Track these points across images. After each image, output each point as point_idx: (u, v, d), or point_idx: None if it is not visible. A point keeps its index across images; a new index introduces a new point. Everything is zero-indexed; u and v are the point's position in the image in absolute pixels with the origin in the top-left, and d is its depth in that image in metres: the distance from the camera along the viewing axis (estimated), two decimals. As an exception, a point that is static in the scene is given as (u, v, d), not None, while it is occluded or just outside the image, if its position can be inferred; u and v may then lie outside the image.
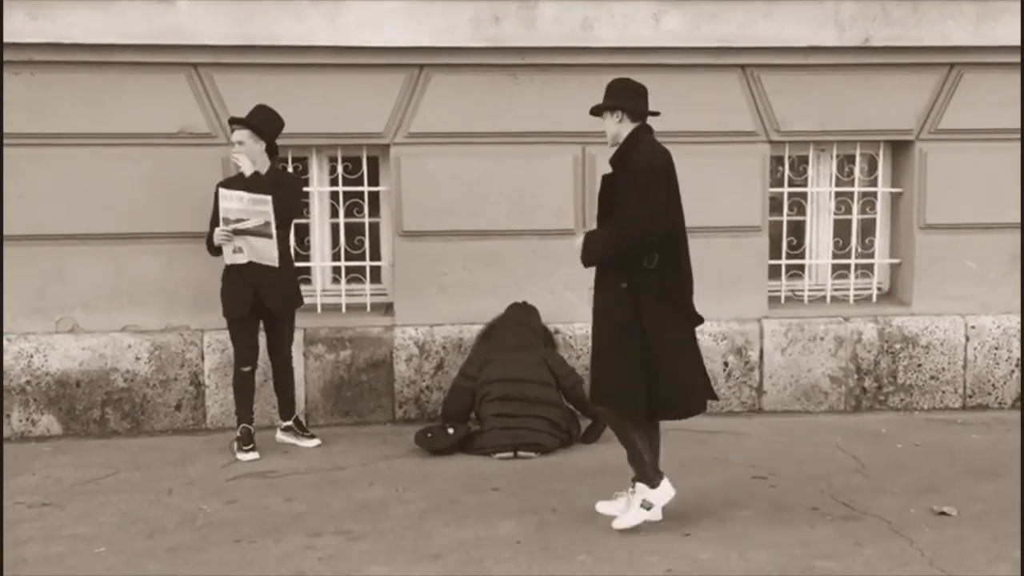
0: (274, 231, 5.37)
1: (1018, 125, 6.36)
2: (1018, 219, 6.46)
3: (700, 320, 4.56)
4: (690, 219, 6.26)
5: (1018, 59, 6.25)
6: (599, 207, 4.58)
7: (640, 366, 4.34)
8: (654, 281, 4.36)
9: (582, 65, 6.13)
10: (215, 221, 5.48)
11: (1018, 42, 6.19)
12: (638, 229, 4.31)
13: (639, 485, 4.50)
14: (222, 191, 5.39)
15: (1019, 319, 6.51)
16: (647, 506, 4.45)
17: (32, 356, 6.06)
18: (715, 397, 4.76)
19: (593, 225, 6.29)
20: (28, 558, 4.21)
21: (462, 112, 6.17)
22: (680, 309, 4.46)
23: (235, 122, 5.52)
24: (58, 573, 4.06)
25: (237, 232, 5.37)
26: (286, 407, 5.85)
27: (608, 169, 4.56)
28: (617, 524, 4.43)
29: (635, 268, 4.35)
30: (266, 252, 5.41)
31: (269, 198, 5.34)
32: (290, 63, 5.97)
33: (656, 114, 4.61)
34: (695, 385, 4.51)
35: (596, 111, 4.64)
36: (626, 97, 4.57)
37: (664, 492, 4.48)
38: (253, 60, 5.96)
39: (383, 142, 6.22)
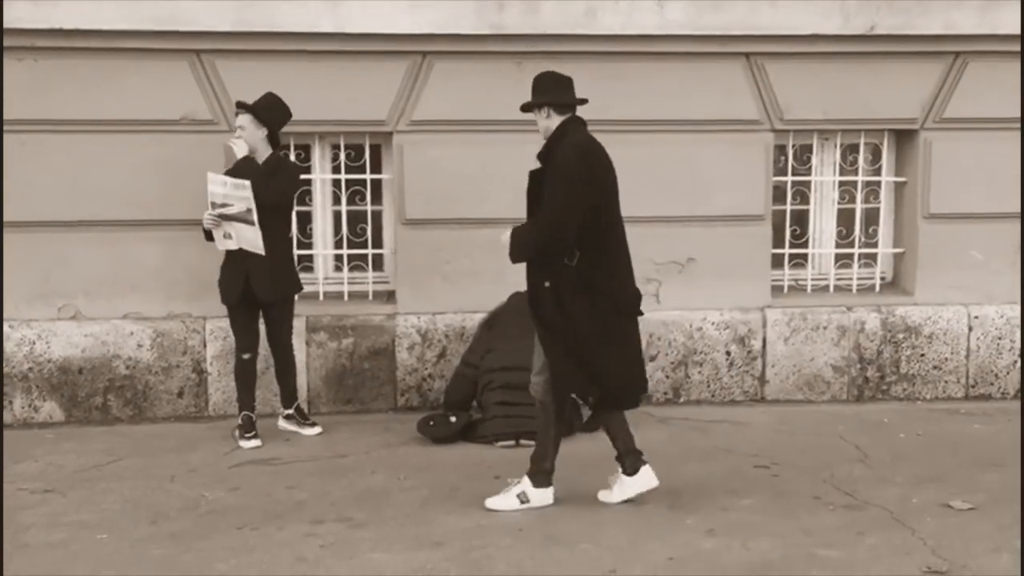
0: (256, 218, 5.34)
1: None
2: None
3: (636, 312, 4.58)
4: (693, 208, 6.34)
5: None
6: (527, 203, 4.56)
7: (574, 361, 4.41)
8: (576, 276, 4.39)
9: (586, 53, 6.11)
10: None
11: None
12: (554, 228, 4.34)
13: (525, 478, 4.59)
14: (209, 175, 5.43)
15: (1022, 309, 6.50)
16: (524, 500, 4.56)
17: (35, 343, 6.06)
18: (645, 391, 4.79)
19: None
20: (31, 544, 4.22)
21: (465, 100, 6.15)
22: (607, 302, 4.45)
23: (240, 106, 5.51)
24: (61, 559, 4.06)
25: (223, 217, 5.39)
26: (287, 395, 5.85)
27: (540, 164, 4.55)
28: (490, 503, 4.57)
29: (556, 265, 4.39)
30: (252, 239, 5.40)
31: (248, 183, 5.33)
32: (293, 50, 5.95)
33: (583, 102, 4.61)
34: (626, 378, 4.53)
35: (525, 109, 4.63)
36: (549, 92, 4.56)
37: (544, 498, 4.58)
38: (255, 47, 5.94)
39: (386, 130, 6.21)
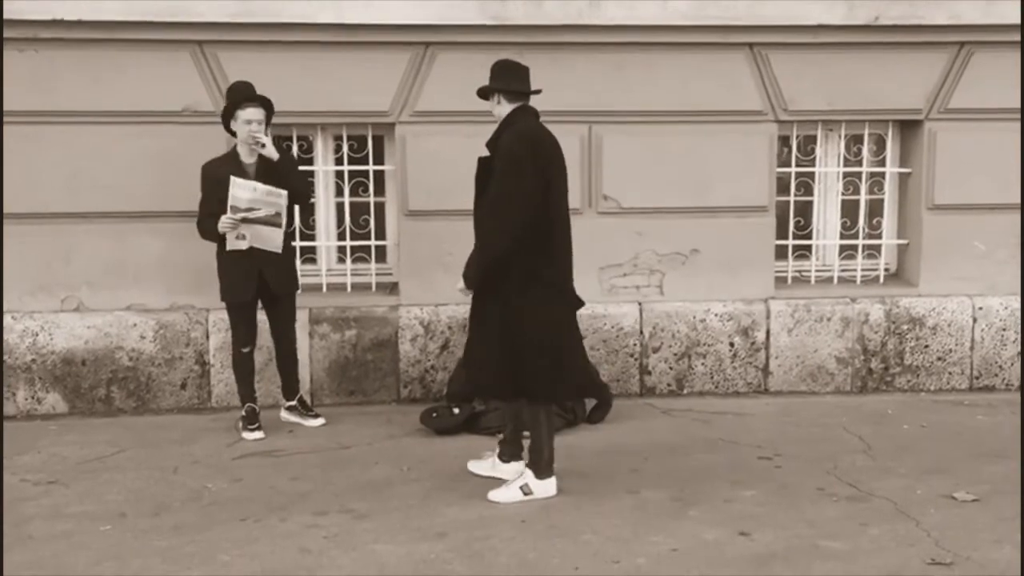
0: (284, 220, 5.37)
1: (1029, 105, 6.33)
2: (1028, 200, 6.44)
3: (579, 303, 4.59)
4: (696, 199, 6.33)
5: (1029, 38, 6.20)
6: (475, 189, 4.59)
7: (508, 353, 4.43)
8: (522, 268, 4.39)
9: (589, 44, 6.10)
10: (209, 204, 5.41)
11: (1029, 21, 6.14)
12: (503, 218, 4.35)
13: (528, 471, 4.61)
14: (233, 179, 5.28)
15: (1022, 302, 6.48)
16: (527, 492, 4.56)
17: (37, 334, 6.06)
18: (592, 383, 4.86)
19: (592, 203, 6.30)
20: (34, 535, 4.22)
21: (468, 91, 6.08)
22: (552, 292, 4.45)
23: (252, 100, 5.40)
24: (64, 550, 4.06)
25: (245, 221, 5.33)
26: (290, 387, 5.85)
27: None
28: (492, 496, 4.57)
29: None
30: (271, 239, 5.40)
31: (286, 192, 5.35)
32: (295, 40, 5.94)
33: (536, 92, 4.62)
34: (567, 368, 4.53)
35: (479, 94, 4.65)
36: (501, 79, 4.57)
37: (546, 489, 4.58)
38: (257, 37, 5.92)
39: (388, 121, 6.19)
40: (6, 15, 5.74)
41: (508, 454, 4.84)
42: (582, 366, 4.60)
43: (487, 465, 4.87)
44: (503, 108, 4.56)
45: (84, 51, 5.90)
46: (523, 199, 4.32)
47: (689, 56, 6.18)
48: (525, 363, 4.43)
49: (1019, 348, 6.52)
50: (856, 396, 6.42)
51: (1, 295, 6.01)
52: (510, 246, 4.37)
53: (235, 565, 3.91)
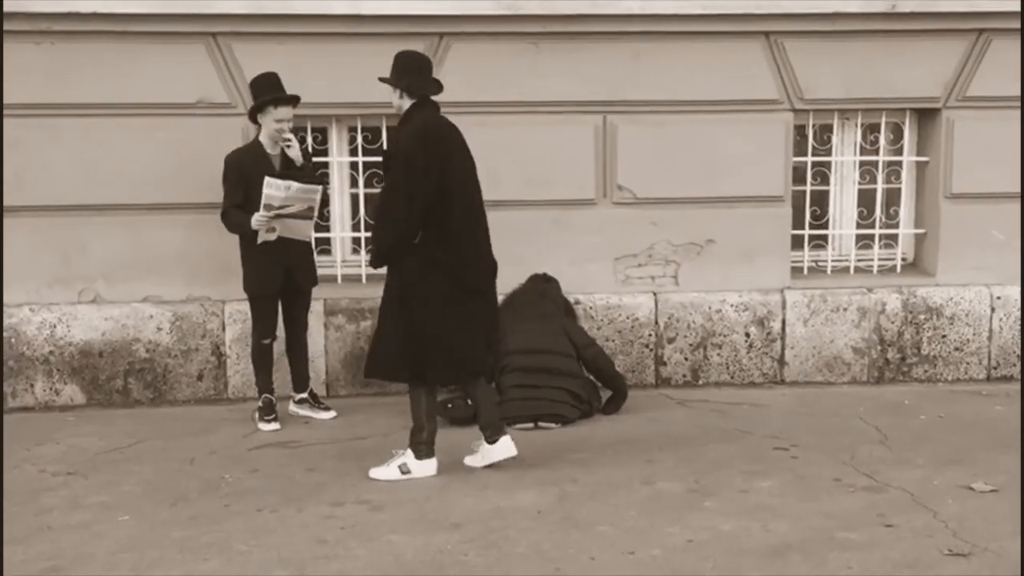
0: (316, 214, 5.43)
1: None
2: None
3: (480, 288, 4.69)
4: (712, 189, 6.30)
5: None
6: (383, 180, 4.77)
7: (405, 337, 4.58)
8: (420, 254, 4.52)
9: (604, 33, 6.07)
10: (234, 196, 5.43)
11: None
12: (392, 214, 4.51)
13: (408, 451, 4.73)
14: (267, 180, 5.26)
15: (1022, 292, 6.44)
16: (404, 471, 4.69)
17: (55, 326, 6.09)
18: (485, 371, 4.91)
19: (607, 193, 6.29)
20: (53, 526, 4.25)
21: (482, 81, 6.12)
22: (451, 280, 4.56)
23: (284, 99, 5.40)
24: (83, 540, 4.09)
25: (278, 216, 5.33)
26: (302, 379, 5.86)
27: None
28: (372, 473, 4.74)
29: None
30: (302, 230, 5.44)
31: (320, 188, 5.42)
32: (309, 32, 5.94)
33: (440, 88, 4.69)
34: (464, 354, 4.67)
35: (383, 81, 4.74)
36: (401, 73, 4.64)
37: (426, 469, 4.72)
38: (272, 29, 5.93)
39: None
40: (22, 8, 5.76)
41: (490, 431, 4.84)
42: (472, 350, 4.72)
43: (479, 457, 4.88)
44: (404, 101, 4.65)
45: (99, 44, 5.91)
46: (410, 195, 4.48)
47: (705, 45, 6.14)
48: (416, 347, 4.61)
49: (1037, 338, 6.48)
50: (873, 386, 6.39)
51: (1, 290, 6.03)
52: (394, 240, 4.55)
53: (252, 555, 3.92)
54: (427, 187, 4.47)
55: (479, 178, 4.77)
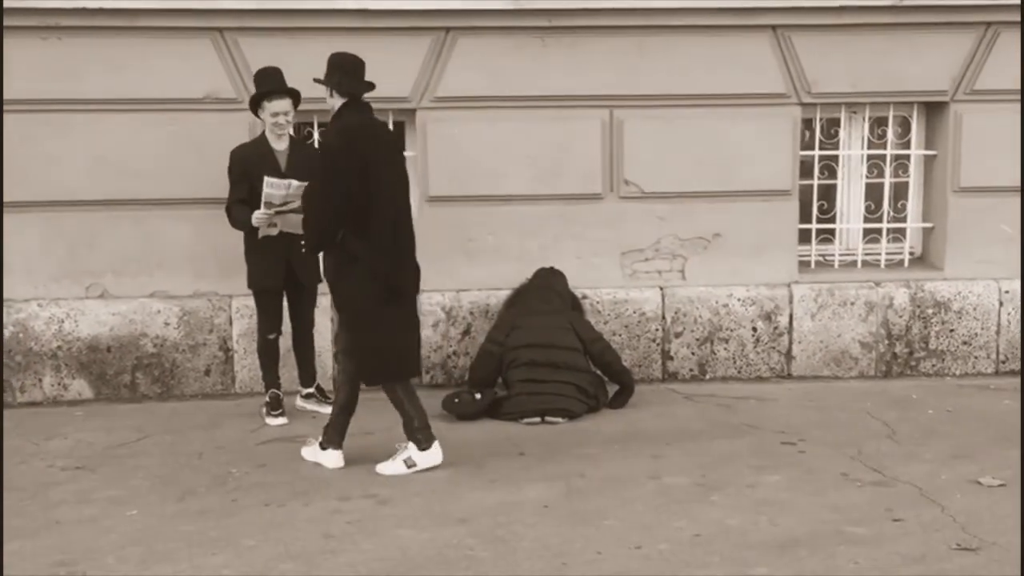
0: None
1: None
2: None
3: (404, 291, 4.72)
4: (719, 183, 6.29)
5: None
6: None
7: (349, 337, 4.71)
8: (340, 253, 4.58)
9: (610, 27, 6.06)
10: (239, 190, 5.43)
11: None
12: (317, 213, 4.59)
13: (409, 444, 4.76)
14: (267, 179, 5.25)
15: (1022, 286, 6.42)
16: (411, 465, 4.72)
17: (63, 321, 6.11)
18: (415, 373, 4.96)
19: (614, 188, 6.28)
20: (62, 520, 4.27)
21: (489, 76, 6.12)
22: (372, 279, 4.58)
23: (279, 92, 5.40)
24: (91, 535, 4.11)
25: (279, 213, 5.32)
26: (309, 374, 5.87)
27: None
28: (379, 468, 4.77)
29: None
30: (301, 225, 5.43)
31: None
32: (315, 27, 5.93)
33: (370, 88, 4.72)
34: (396, 355, 4.70)
35: (317, 81, 4.80)
36: (331, 74, 4.69)
37: (431, 459, 4.76)
38: (278, 24, 5.93)
39: (409, 107, 6.19)
40: (29, 4, 5.77)
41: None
42: (403, 351, 4.77)
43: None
44: (335, 101, 4.70)
45: (107, 39, 5.92)
46: (328, 195, 4.53)
47: (711, 39, 6.13)
48: (357, 348, 4.71)
49: (1046, 332, 6.46)
50: (880, 381, 6.37)
51: (1, 286, 6.04)
52: (319, 240, 4.64)
53: (260, 549, 3.93)
54: (345, 187, 4.50)
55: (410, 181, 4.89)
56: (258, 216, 5.32)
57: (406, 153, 6.35)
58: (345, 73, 4.66)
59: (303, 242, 4.83)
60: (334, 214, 4.55)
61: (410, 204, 4.87)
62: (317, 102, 5.82)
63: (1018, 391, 6.05)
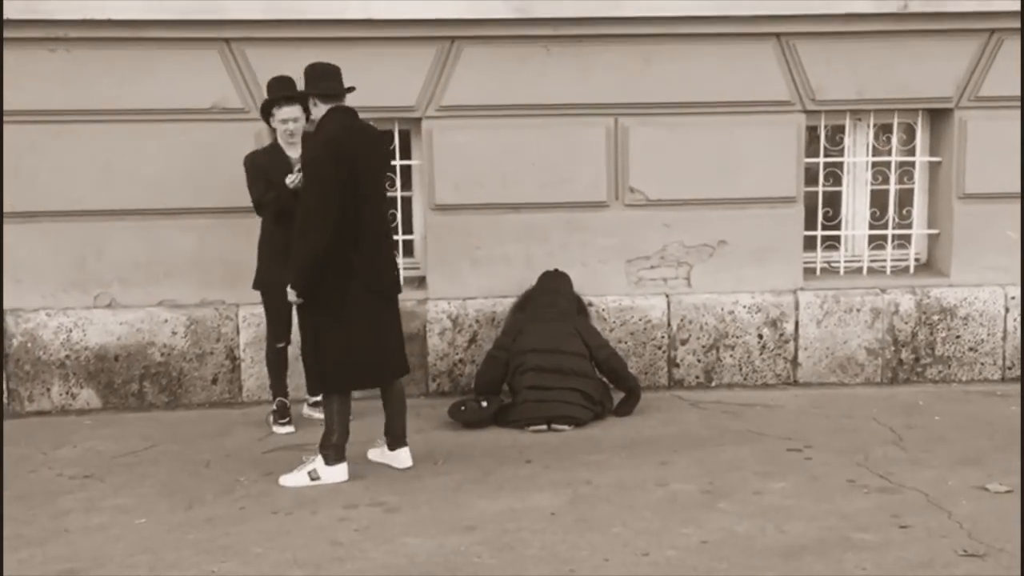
0: None
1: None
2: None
3: (385, 295, 4.76)
4: (724, 190, 6.30)
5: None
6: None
7: (315, 343, 4.69)
8: (332, 262, 4.57)
9: (614, 36, 6.08)
10: (258, 187, 5.43)
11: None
12: (310, 218, 4.56)
13: (318, 457, 4.76)
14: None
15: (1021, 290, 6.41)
16: (314, 477, 4.72)
17: (71, 331, 6.13)
18: (403, 371, 4.98)
19: (619, 195, 6.30)
20: (70, 528, 4.29)
21: (494, 84, 6.14)
22: (359, 285, 4.62)
23: (287, 99, 5.40)
24: (100, 543, 4.12)
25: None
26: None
27: None
28: (283, 480, 4.76)
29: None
30: None
31: None
32: (321, 37, 5.95)
33: (351, 90, 4.75)
34: (364, 358, 4.71)
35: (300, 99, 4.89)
36: (311, 82, 4.72)
37: (336, 475, 4.76)
38: (285, 34, 5.95)
39: (415, 115, 6.21)
40: (37, 15, 5.80)
41: (391, 439, 4.98)
42: (388, 354, 4.82)
43: (377, 452, 5.05)
44: (320, 109, 4.71)
45: (114, 50, 5.95)
46: (324, 211, 4.53)
47: (716, 47, 6.14)
48: (322, 353, 4.69)
49: (1052, 338, 6.45)
50: (886, 387, 6.37)
51: (1, 294, 6.07)
52: (312, 255, 4.58)
53: (267, 557, 3.95)
54: (336, 197, 4.52)
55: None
56: (291, 178, 5.29)
57: (412, 162, 6.43)
58: (321, 79, 4.70)
59: (289, 287, 4.71)
60: (328, 227, 4.53)
61: (387, 208, 4.89)
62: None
63: (1025, 397, 6.07)
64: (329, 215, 4.53)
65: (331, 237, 4.55)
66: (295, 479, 4.75)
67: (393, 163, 6.38)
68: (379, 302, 4.74)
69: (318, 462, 4.78)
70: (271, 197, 5.39)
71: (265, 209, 5.47)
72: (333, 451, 4.77)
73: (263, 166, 5.45)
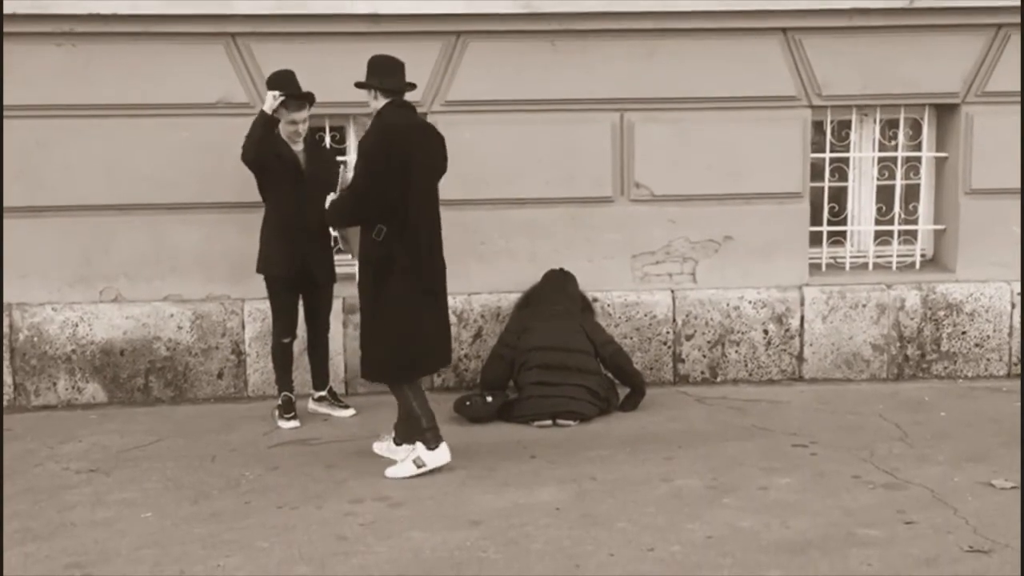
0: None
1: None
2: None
3: (433, 291, 4.77)
4: (729, 186, 6.30)
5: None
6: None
7: (369, 336, 4.73)
8: (383, 252, 4.61)
9: (620, 31, 6.07)
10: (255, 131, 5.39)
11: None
12: (353, 206, 4.69)
13: (418, 444, 4.78)
14: (344, 167, 5.37)
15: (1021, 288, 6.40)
16: (420, 465, 4.73)
17: (77, 325, 6.15)
18: (445, 363, 5.05)
19: (625, 191, 6.30)
20: (76, 523, 4.30)
21: (499, 80, 6.14)
22: (407, 278, 4.65)
23: (297, 99, 5.42)
24: (106, 537, 4.13)
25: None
26: (322, 377, 5.89)
27: None
28: (388, 473, 4.76)
29: (367, 241, 4.67)
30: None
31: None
32: (327, 32, 5.97)
33: (411, 87, 4.81)
34: (414, 351, 4.72)
35: (359, 86, 4.83)
36: (374, 75, 4.75)
37: (439, 458, 4.76)
38: (290, 29, 5.96)
39: (420, 111, 6.18)
40: (43, 10, 5.81)
41: (399, 438, 4.98)
42: (431, 347, 4.82)
43: (384, 446, 5.04)
44: (378, 102, 4.75)
45: (120, 45, 5.96)
46: (375, 190, 4.58)
47: (722, 42, 6.13)
48: (378, 346, 4.71)
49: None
50: (892, 383, 6.36)
51: (1, 289, 6.08)
52: (341, 219, 4.89)
53: (273, 552, 3.95)
54: (384, 183, 4.55)
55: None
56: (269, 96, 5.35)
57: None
58: (387, 73, 4.73)
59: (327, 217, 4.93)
60: (360, 212, 4.64)
61: (439, 205, 4.89)
62: (328, 106, 5.88)
63: (1031, 393, 6.06)
64: (371, 196, 4.57)
65: (365, 216, 4.62)
66: (402, 470, 4.75)
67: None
68: (422, 296, 4.72)
69: (420, 449, 4.77)
70: (259, 133, 5.33)
71: (250, 145, 5.38)
72: (431, 435, 4.76)
73: (269, 159, 5.44)
